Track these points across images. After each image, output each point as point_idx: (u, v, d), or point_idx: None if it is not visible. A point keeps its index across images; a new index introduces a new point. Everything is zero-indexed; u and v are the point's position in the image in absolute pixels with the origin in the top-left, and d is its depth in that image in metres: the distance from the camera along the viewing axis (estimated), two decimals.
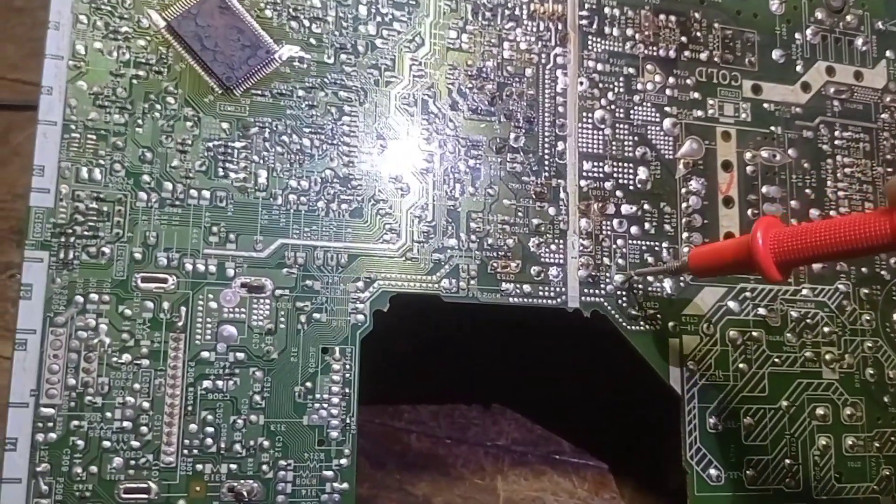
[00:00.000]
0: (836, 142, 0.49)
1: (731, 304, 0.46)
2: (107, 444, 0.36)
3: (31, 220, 0.37)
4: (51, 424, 0.36)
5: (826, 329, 0.47)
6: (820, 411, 0.46)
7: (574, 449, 0.52)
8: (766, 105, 0.49)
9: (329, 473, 0.39)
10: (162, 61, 0.40)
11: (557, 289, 0.43)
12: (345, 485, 0.39)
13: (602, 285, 0.44)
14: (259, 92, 0.41)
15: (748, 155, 0.48)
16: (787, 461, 0.45)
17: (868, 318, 0.48)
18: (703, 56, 0.48)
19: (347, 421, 0.39)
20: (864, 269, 0.48)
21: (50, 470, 0.36)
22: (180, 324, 0.38)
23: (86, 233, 0.38)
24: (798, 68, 0.49)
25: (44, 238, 0.37)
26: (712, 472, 0.44)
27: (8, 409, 0.36)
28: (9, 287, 0.52)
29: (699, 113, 0.47)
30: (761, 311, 0.46)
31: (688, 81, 0.47)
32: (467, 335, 0.53)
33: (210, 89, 0.40)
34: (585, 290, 0.44)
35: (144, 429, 0.37)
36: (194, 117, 0.40)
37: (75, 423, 0.36)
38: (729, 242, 0.41)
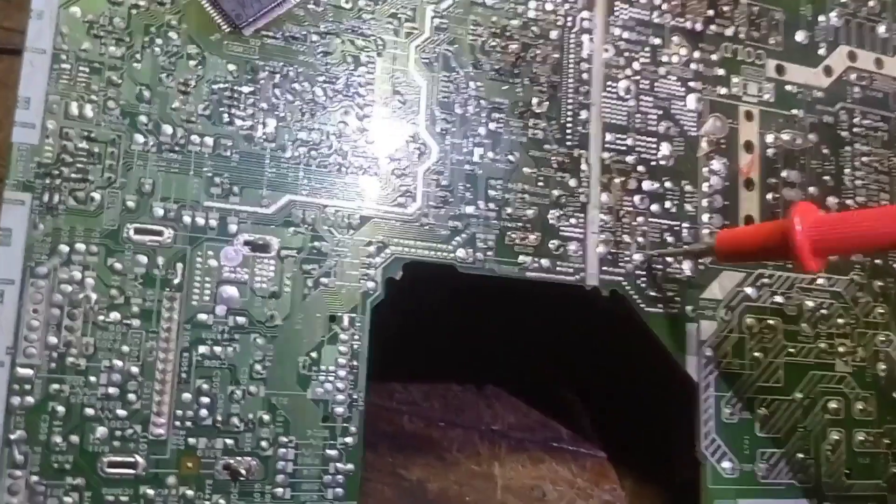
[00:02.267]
0: (855, 129, 0.48)
1: (749, 291, 0.44)
2: (90, 411, 0.33)
3: (13, 158, 0.33)
4: (28, 387, 0.32)
5: (840, 320, 0.46)
6: (833, 405, 0.45)
7: (572, 436, 0.49)
8: (788, 87, 0.47)
9: (333, 453, 0.36)
10: None
11: (576, 264, 0.41)
12: (349, 466, 0.36)
13: (621, 263, 0.42)
14: (270, 34, 0.37)
15: (770, 137, 0.46)
16: (800, 455, 0.44)
17: (881, 311, 0.47)
18: (729, 31, 0.46)
19: (355, 396, 0.36)
20: (878, 261, 0.47)
21: (26, 438, 0.32)
22: (176, 282, 0.34)
23: (74, 175, 0.34)
24: (821, 51, 0.48)
25: (26, 179, 0.33)
26: (726, 464, 0.42)
27: None
28: None
29: (723, 90, 0.45)
30: (778, 298, 0.45)
31: (713, 57, 0.45)
32: (457, 309, 0.50)
33: (217, 27, 0.36)
34: (604, 268, 0.41)
35: (132, 396, 0.33)
36: (199, 56, 0.36)
37: (55, 386, 0.32)
38: (762, 226, 0.39)
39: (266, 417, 0.35)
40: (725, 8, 0.46)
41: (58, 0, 0.34)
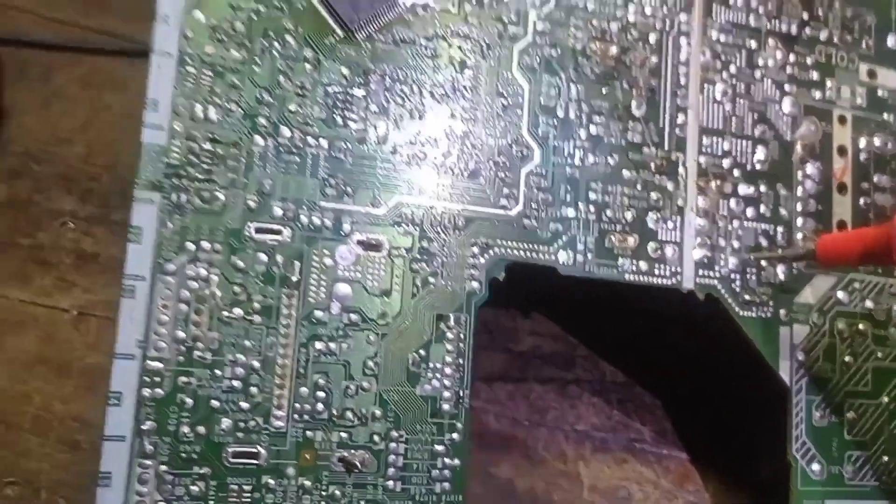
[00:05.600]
0: None
1: (841, 295, 0.44)
2: (216, 403, 0.34)
3: (143, 158, 0.34)
4: (158, 379, 0.33)
5: None
6: None
7: (654, 438, 0.50)
8: (880, 92, 0.47)
9: (440, 448, 0.37)
10: None
11: (673, 268, 0.41)
12: (456, 461, 0.37)
13: (717, 267, 0.42)
14: (381, 38, 0.38)
15: (862, 142, 0.46)
16: (885, 458, 0.44)
17: None
18: (823, 35, 0.46)
19: (461, 394, 0.37)
20: None
21: (156, 429, 0.33)
22: (294, 279, 0.35)
23: (199, 176, 0.35)
24: None
25: (156, 178, 0.34)
26: (815, 466, 0.43)
27: (113, 360, 0.33)
28: (62, 236, 0.49)
29: (817, 94, 0.45)
30: (868, 303, 0.45)
31: (807, 60, 0.45)
32: (538, 312, 0.51)
33: (331, 30, 0.37)
34: (700, 272, 0.42)
35: (254, 389, 0.34)
36: (314, 60, 0.37)
37: (183, 379, 0.33)
38: (865, 231, 0.39)
39: (378, 412, 0.36)
40: (820, 11, 0.46)
41: (183, 4, 0.35)
